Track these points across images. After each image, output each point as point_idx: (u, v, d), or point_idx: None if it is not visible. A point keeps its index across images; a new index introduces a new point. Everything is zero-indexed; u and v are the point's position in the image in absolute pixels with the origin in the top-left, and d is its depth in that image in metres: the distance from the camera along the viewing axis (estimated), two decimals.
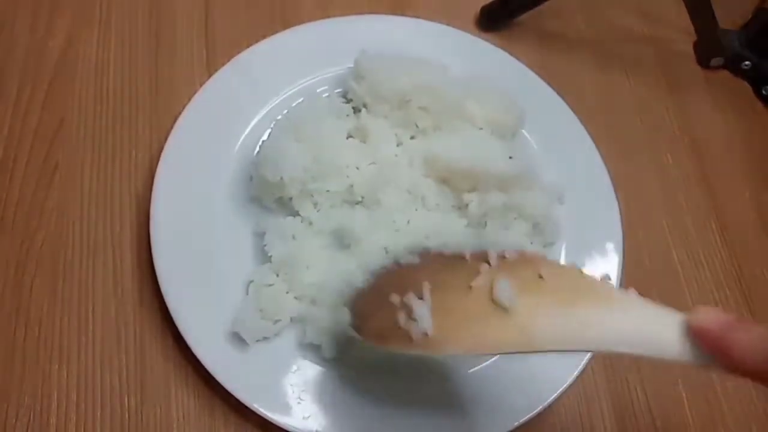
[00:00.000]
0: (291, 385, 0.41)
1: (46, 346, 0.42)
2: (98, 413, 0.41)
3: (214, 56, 0.53)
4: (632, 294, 0.30)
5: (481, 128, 0.48)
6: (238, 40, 0.53)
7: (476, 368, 0.43)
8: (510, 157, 0.45)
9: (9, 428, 0.40)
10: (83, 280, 0.44)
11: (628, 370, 0.47)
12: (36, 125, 0.49)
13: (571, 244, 0.48)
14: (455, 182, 0.46)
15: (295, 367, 0.42)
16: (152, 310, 0.44)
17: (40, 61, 0.51)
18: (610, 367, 0.47)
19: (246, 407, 0.40)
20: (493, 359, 0.44)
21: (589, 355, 0.43)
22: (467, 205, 0.45)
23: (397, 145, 0.47)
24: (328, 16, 0.55)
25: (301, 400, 0.41)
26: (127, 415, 0.41)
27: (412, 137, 0.48)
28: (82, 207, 0.47)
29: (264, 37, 0.52)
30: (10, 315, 0.43)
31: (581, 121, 0.52)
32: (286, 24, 0.54)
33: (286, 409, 0.40)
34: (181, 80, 0.52)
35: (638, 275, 0.50)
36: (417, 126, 0.47)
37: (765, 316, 0.50)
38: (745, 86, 0.60)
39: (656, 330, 0.28)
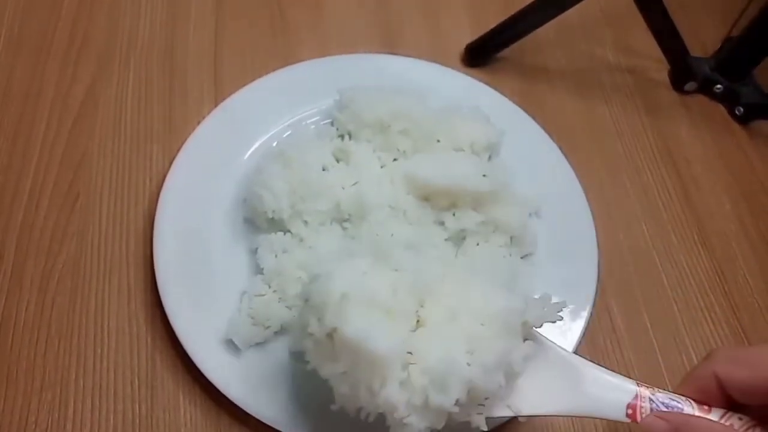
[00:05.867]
0: (280, 388, 0.43)
1: (64, 356, 0.45)
2: (111, 418, 0.43)
3: (222, 92, 0.56)
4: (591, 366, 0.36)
5: (460, 149, 0.50)
6: (243, 75, 0.57)
7: None
8: (484, 175, 0.47)
9: None
10: (99, 296, 0.47)
11: None
12: (60, 158, 0.52)
13: (548, 254, 0.50)
14: (435, 199, 0.48)
15: (284, 372, 0.44)
16: (161, 323, 0.46)
17: (66, 101, 0.55)
18: None
19: (248, 415, 0.42)
20: None
21: None
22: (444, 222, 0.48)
23: (381, 167, 0.49)
24: (326, 55, 0.58)
25: (288, 401, 0.43)
26: (138, 421, 0.43)
27: (395, 159, 0.49)
28: (100, 230, 0.49)
29: (267, 72, 0.55)
30: (33, 329, 0.45)
31: (556, 142, 0.55)
32: (287, 62, 0.57)
33: (274, 410, 0.42)
34: (191, 114, 0.55)
35: (625, 286, 0.52)
36: (399, 149, 0.49)
37: (749, 319, 0.51)
38: (720, 108, 0.63)
39: (611, 399, 0.35)
